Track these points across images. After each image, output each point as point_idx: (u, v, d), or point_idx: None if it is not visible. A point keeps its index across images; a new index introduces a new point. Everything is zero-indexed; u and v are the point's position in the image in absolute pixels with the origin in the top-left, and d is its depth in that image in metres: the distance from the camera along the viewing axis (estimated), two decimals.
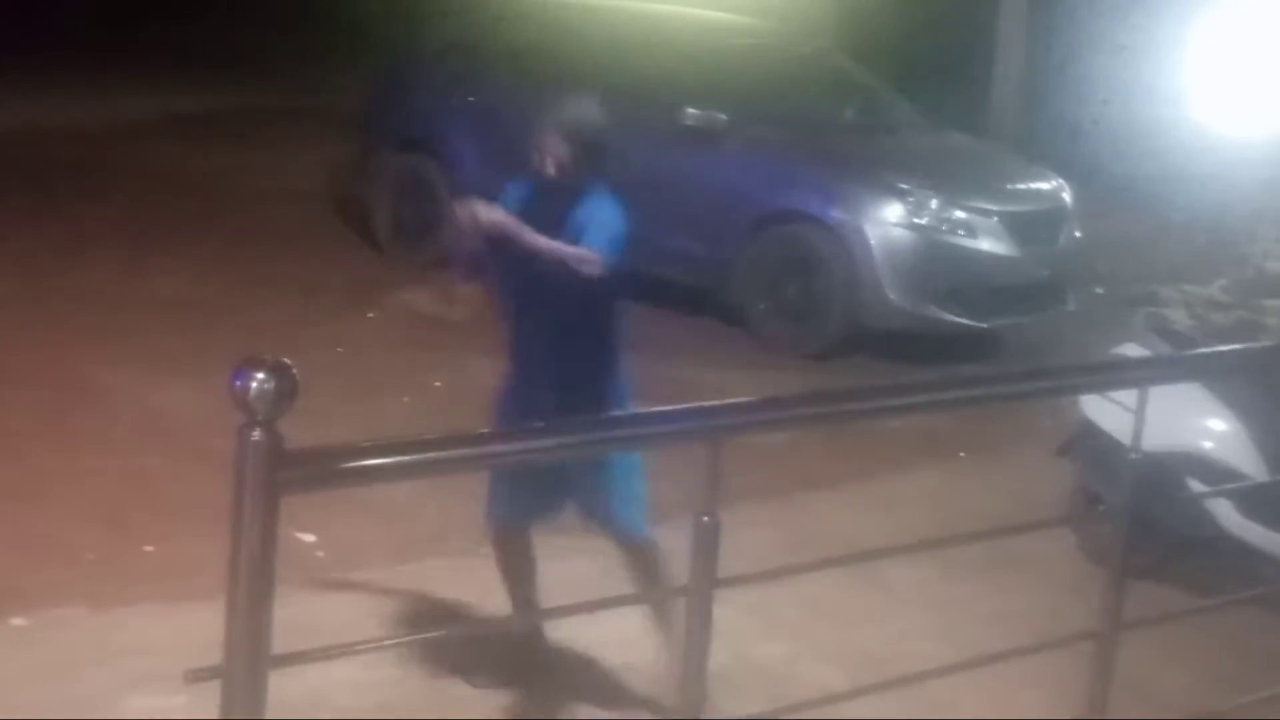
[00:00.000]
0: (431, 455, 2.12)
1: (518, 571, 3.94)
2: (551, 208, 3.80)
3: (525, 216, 3.75)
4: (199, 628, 2.09)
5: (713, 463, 2.24)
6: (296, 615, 3.67)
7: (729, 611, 4.30)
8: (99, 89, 11.85)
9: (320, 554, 4.75)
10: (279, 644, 1.96)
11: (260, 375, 1.84)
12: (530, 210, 3.80)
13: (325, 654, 1.99)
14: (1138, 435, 2.60)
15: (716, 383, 6.65)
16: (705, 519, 2.27)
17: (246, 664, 1.82)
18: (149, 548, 4.73)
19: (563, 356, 3.70)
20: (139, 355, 6.49)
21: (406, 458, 2.09)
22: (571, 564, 4.26)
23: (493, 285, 3.89)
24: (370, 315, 7.51)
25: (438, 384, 6.55)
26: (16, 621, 4.18)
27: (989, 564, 4.98)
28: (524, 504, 3.91)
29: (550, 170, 3.81)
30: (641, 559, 3.78)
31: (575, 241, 3.69)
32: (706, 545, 2.27)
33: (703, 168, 7.62)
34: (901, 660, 4.18)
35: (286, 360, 1.88)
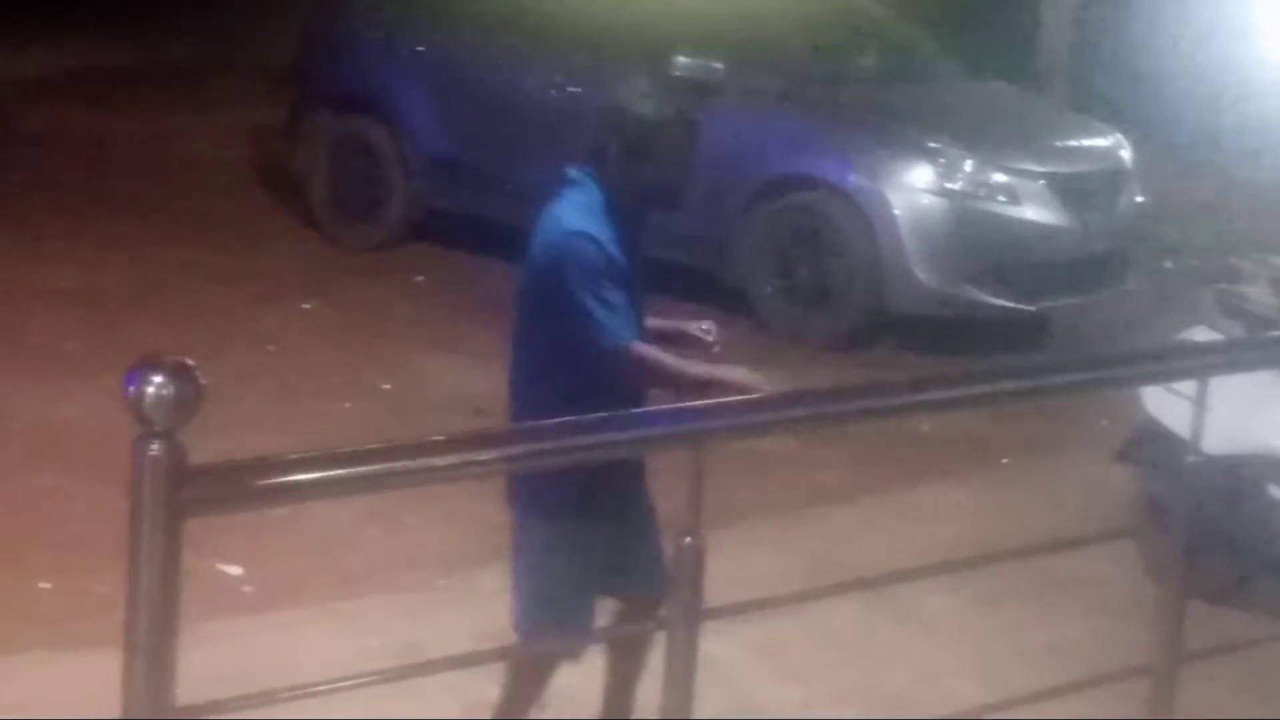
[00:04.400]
0: (368, 469, 2.13)
1: (527, 698, 3.71)
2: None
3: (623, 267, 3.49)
4: (103, 678, 2.10)
5: (695, 473, 2.24)
6: (217, 659, 3.71)
7: (731, 650, 4.38)
8: None
9: (248, 589, 4.77)
10: (197, 692, 1.97)
11: (157, 379, 1.85)
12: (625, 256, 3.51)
13: (240, 703, 2.00)
14: (1197, 434, 2.62)
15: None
16: (688, 540, 2.28)
17: (146, 718, 1.83)
18: (45, 584, 4.74)
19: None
20: (33, 358, 6.49)
21: (337, 472, 2.10)
22: None
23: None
24: (306, 306, 7.53)
25: (386, 386, 6.58)
26: None
27: (1036, 588, 5.00)
28: (579, 614, 3.57)
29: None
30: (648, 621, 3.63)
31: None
32: (690, 571, 2.28)
33: None
34: (931, 703, 4.20)
35: (189, 361, 1.89)
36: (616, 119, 3.52)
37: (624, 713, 3.75)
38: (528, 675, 3.67)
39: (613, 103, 3.55)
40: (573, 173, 3.56)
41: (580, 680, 3.75)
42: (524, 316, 3.58)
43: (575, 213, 3.50)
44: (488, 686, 3.79)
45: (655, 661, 3.05)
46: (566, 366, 3.46)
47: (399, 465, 2.14)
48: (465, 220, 8.41)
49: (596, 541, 3.56)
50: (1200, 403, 2.64)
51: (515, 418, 3.57)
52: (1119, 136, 8.13)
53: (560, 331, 3.46)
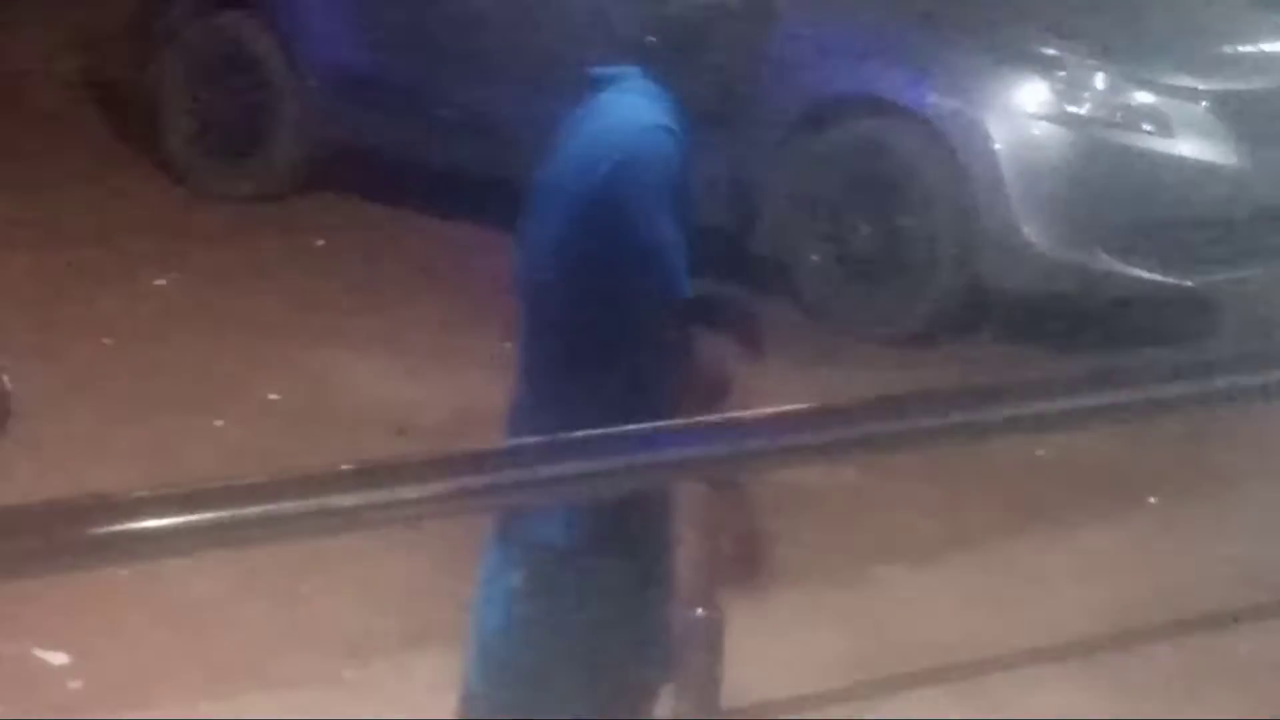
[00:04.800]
0: (244, 513, 2.14)
1: None
2: None
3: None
4: None
5: (708, 515, 2.26)
6: None
7: None
8: None
9: (75, 684, 4.76)
10: None
11: None
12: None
13: None
14: None
15: (742, 387, 6.67)
16: (699, 612, 2.30)
17: None
18: None
19: None
20: None
21: (199, 516, 2.11)
22: None
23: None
24: (159, 282, 7.54)
25: (272, 396, 6.58)
26: None
27: (1195, 678, 5.02)
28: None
29: None
30: None
31: None
32: (703, 655, 2.30)
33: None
34: None
35: None
36: None
37: None
38: None
39: None
40: (610, 71, 3.50)
41: None
42: (561, 274, 3.41)
43: (643, 106, 3.42)
44: None
45: None
46: (630, 336, 3.35)
47: (289, 507, 2.16)
48: (385, 160, 8.40)
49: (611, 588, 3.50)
50: None
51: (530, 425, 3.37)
52: None
53: (622, 277, 3.34)
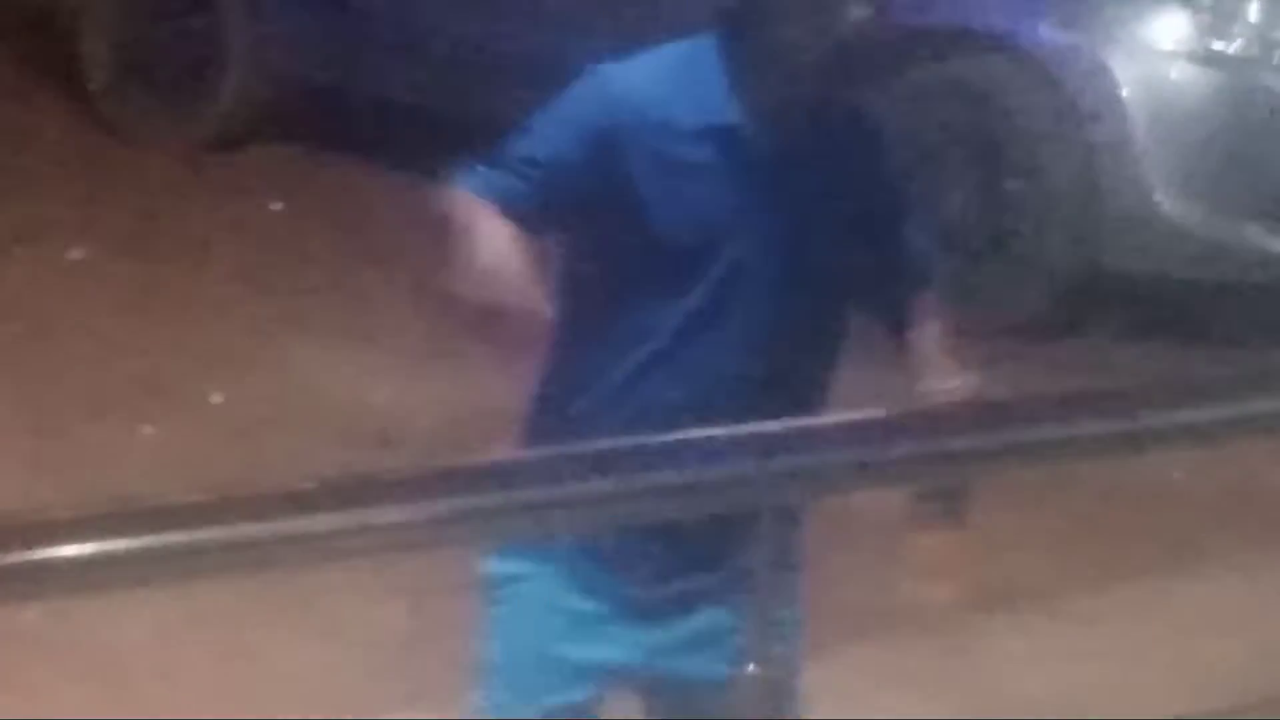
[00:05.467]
0: (182, 539, 2.16)
1: None
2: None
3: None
4: None
5: (779, 548, 2.30)
6: None
7: None
8: None
9: None
10: None
11: None
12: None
13: None
14: None
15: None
16: (750, 668, 2.33)
17: None
18: None
19: None
20: None
21: (125, 544, 2.13)
22: None
23: None
24: (75, 255, 7.59)
25: (217, 398, 6.61)
26: None
27: None
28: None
29: None
30: None
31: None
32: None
33: None
34: None
35: None
36: None
37: None
38: None
39: None
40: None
41: None
42: None
43: (641, 64, 3.61)
44: None
45: None
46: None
47: (235, 534, 2.18)
48: (360, 104, 8.43)
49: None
50: None
51: None
52: None
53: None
